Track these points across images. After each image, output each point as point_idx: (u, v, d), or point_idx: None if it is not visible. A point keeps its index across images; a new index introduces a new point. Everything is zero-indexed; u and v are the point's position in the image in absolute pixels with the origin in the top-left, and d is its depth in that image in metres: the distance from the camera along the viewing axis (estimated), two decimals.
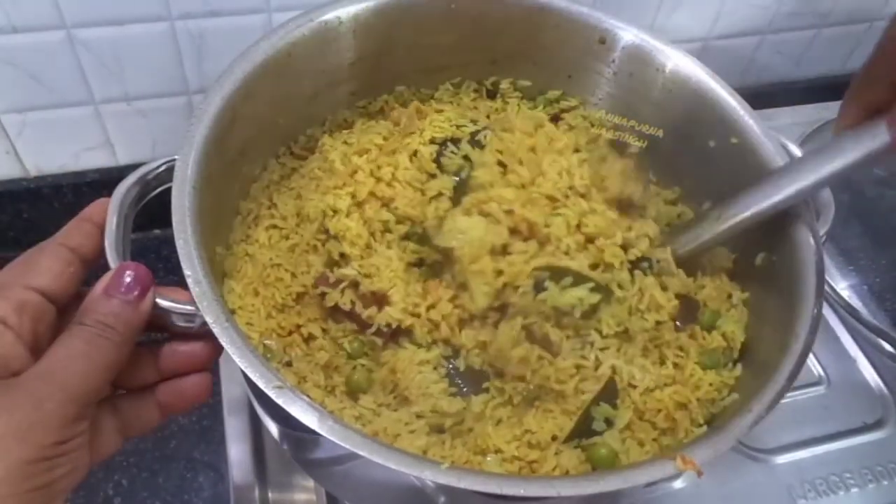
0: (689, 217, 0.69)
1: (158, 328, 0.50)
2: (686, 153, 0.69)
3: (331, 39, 0.65)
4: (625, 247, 0.59)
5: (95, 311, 0.45)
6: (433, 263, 0.59)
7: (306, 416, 0.44)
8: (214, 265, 0.56)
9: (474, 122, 0.65)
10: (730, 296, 0.64)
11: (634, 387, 0.57)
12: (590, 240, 0.59)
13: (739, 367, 0.60)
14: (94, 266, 0.50)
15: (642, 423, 0.56)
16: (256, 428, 0.74)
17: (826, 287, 0.83)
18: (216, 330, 0.46)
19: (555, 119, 0.73)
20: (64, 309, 0.49)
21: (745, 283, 0.65)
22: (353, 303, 0.57)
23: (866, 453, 0.78)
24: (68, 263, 0.49)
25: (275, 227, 0.63)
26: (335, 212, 0.59)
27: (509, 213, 0.58)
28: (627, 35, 0.69)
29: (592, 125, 0.73)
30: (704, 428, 0.56)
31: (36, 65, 0.77)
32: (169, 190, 0.52)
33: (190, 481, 0.76)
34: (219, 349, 0.50)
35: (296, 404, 0.44)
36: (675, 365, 0.59)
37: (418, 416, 0.54)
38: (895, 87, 0.52)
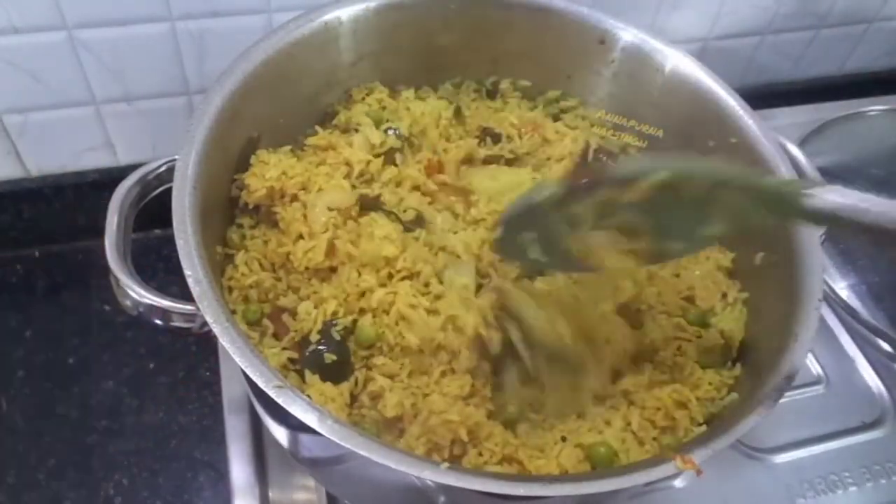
0: None
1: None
2: (686, 153, 0.69)
3: (331, 39, 0.66)
4: None
5: None
6: None
7: (306, 416, 0.44)
8: (214, 265, 0.56)
9: None
10: (724, 294, 0.64)
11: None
12: None
13: (739, 366, 0.60)
14: None
15: (642, 422, 0.56)
16: (256, 428, 0.74)
17: (825, 287, 0.82)
18: (216, 330, 0.46)
19: (554, 119, 0.74)
20: None
21: (744, 282, 0.65)
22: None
23: (865, 452, 0.78)
24: None
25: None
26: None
27: None
28: (627, 35, 0.69)
29: (592, 125, 0.73)
30: (704, 427, 0.56)
31: (37, 65, 0.77)
32: (169, 190, 0.52)
33: (190, 481, 0.76)
34: None
35: (296, 403, 0.44)
36: (675, 364, 0.59)
37: None
38: None
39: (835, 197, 0.44)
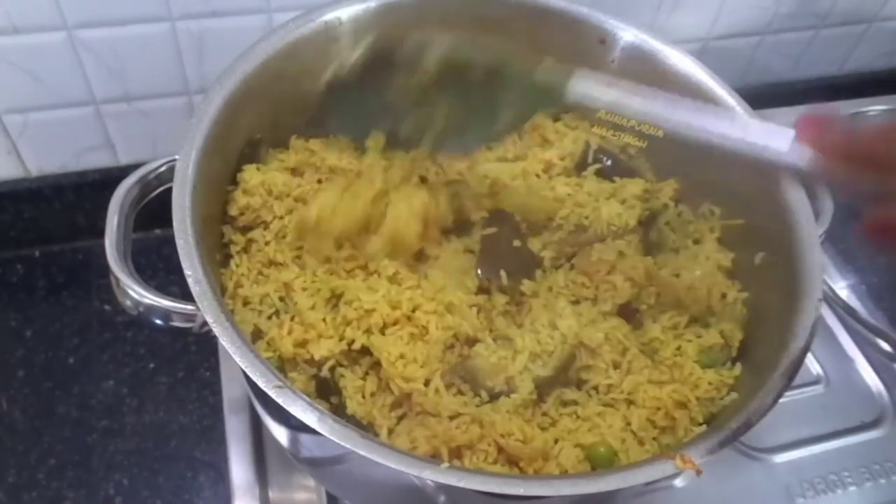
0: (689, 217, 0.69)
1: None
2: (685, 153, 0.69)
3: (331, 39, 0.66)
4: None
5: None
6: None
7: (306, 416, 0.44)
8: (214, 265, 0.56)
9: None
10: (724, 294, 0.64)
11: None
12: None
13: (739, 366, 0.60)
14: None
15: (642, 422, 0.56)
16: (256, 428, 0.74)
17: (825, 287, 0.83)
18: (216, 330, 0.46)
19: (554, 119, 0.74)
20: None
21: (744, 282, 0.65)
22: None
23: (864, 452, 0.78)
24: None
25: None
26: None
27: None
28: (627, 35, 0.69)
29: (592, 125, 0.73)
30: (704, 427, 0.56)
31: (37, 65, 0.77)
32: (170, 190, 0.52)
33: (190, 481, 0.76)
34: None
35: (296, 404, 0.44)
36: (675, 364, 0.59)
37: None
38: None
39: (593, 85, 0.47)
